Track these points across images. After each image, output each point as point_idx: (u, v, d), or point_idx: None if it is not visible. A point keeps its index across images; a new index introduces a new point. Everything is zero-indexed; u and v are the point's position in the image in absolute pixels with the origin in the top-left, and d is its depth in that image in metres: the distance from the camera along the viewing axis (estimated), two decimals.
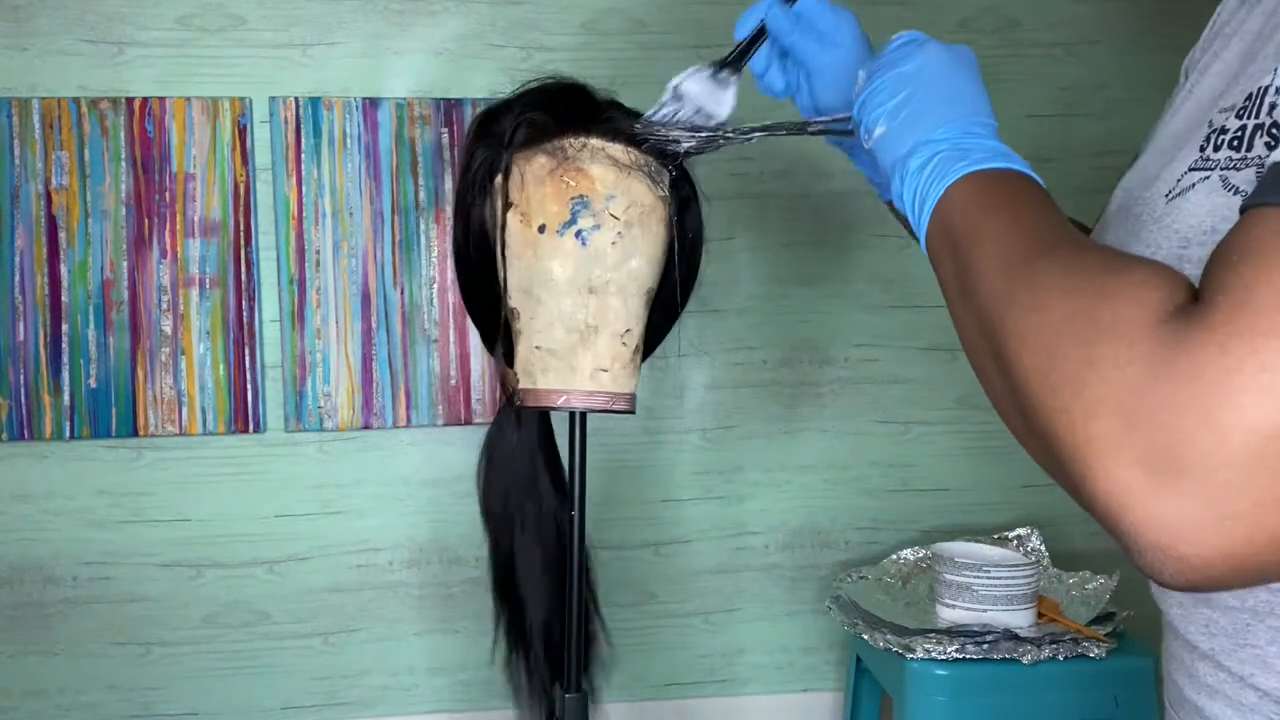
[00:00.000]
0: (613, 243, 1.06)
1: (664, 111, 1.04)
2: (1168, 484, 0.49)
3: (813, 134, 1.01)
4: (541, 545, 1.20)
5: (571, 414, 1.17)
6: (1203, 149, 0.70)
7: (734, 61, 1.01)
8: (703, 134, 1.04)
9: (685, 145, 1.05)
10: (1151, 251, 0.70)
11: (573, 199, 1.06)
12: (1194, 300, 0.52)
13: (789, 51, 0.98)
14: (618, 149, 1.07)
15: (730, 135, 1.04)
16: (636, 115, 1.10)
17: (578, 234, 1.06)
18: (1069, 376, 0.53)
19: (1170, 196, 0.71)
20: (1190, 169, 0.71)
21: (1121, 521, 0.51)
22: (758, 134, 1.04)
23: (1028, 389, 0.57)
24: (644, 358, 1.20)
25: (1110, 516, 0.52)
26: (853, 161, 1.01)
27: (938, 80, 0.78)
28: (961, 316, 0.67)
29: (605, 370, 1.09)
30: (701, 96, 1.02)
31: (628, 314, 1.09)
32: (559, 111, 1.08)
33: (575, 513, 1.18)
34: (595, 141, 1.07)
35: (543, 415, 1.18)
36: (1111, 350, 0.52)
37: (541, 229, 1.07)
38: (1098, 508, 0.53)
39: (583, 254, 1.06)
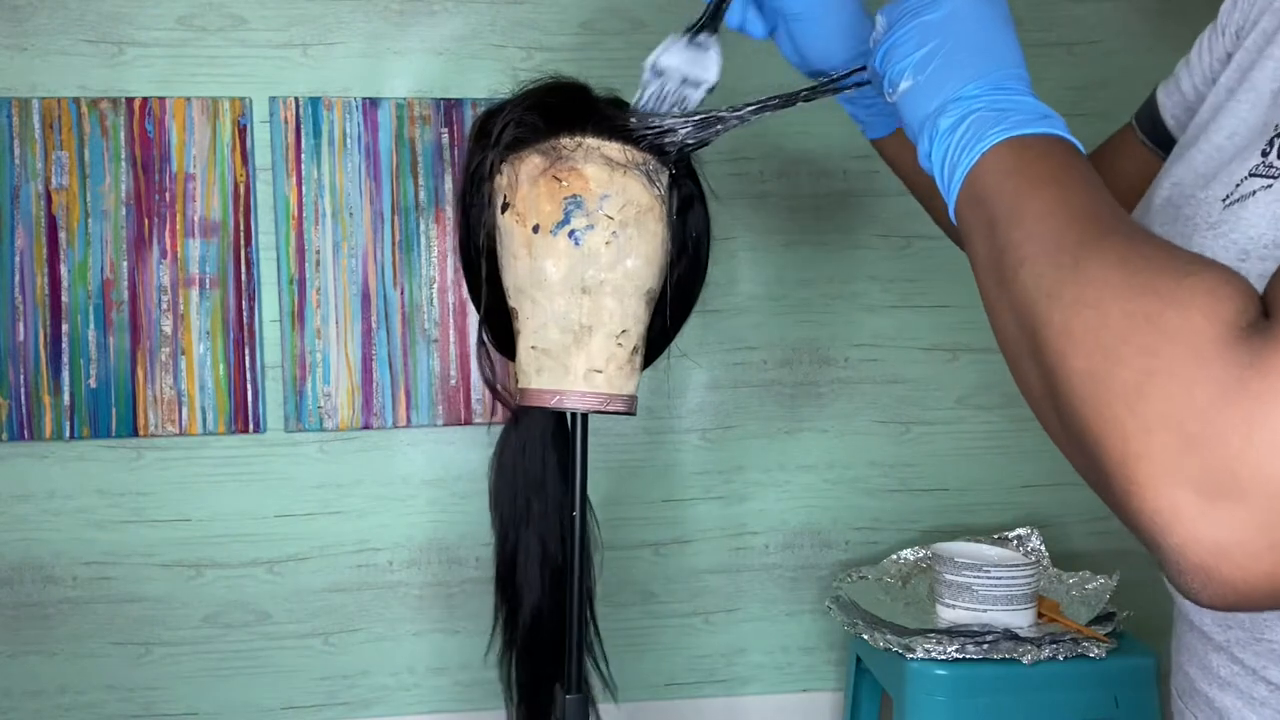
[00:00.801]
0: (607, 243, 1.06)
1: (649, 92, 1.00)
2: (1221, 507, 0.48)
3: (807, 100, 0.99)
4: (543, 544, 1.19)
5: (572, 414, 1.17)
6: (1265, 153, 0.67)
7: (708, 22, 0.97)
8: (695, 118, 1.03)
9: (682, 134, 1.04)
10: None
11: (566, 199, 1.05)
12: (1263, 315, 0.50)
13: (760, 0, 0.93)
14: (613, 148, 1.06)
15: (724, 115, 1.02)
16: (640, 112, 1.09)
17: (570, 234, 1.05)
18: (1127, 385, 0.50)
19: (1228, 202, 0.68)
20: (1251, 174, 0.68)
21: (1165, 540, 0.50)
22: (750, 109, 1.02)
23: (1074, 391, 0.54)
24: (652, 358, 1.20)
25: (1154, 534, 0.50)
26: (842, 105, 0.98)
27: (968, 29, 0.72)
28: (996, 300, 0.62)
29: (600, 371, 1.08)
30: (683, 66, 0.98)
31: (624, 314, 1.08)
32: (553, 110, 1.08)
33: (576, 513, 1.17)
34: (590, 140, 1.06)
35: (558, 415, 1.18)
36: (1179, 364, 0.49)
37: (536, 229, 1.06)
38: (1141, 523, 0.51)
39: (576, 254, 1.06)
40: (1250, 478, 0.47)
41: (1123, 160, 0.96)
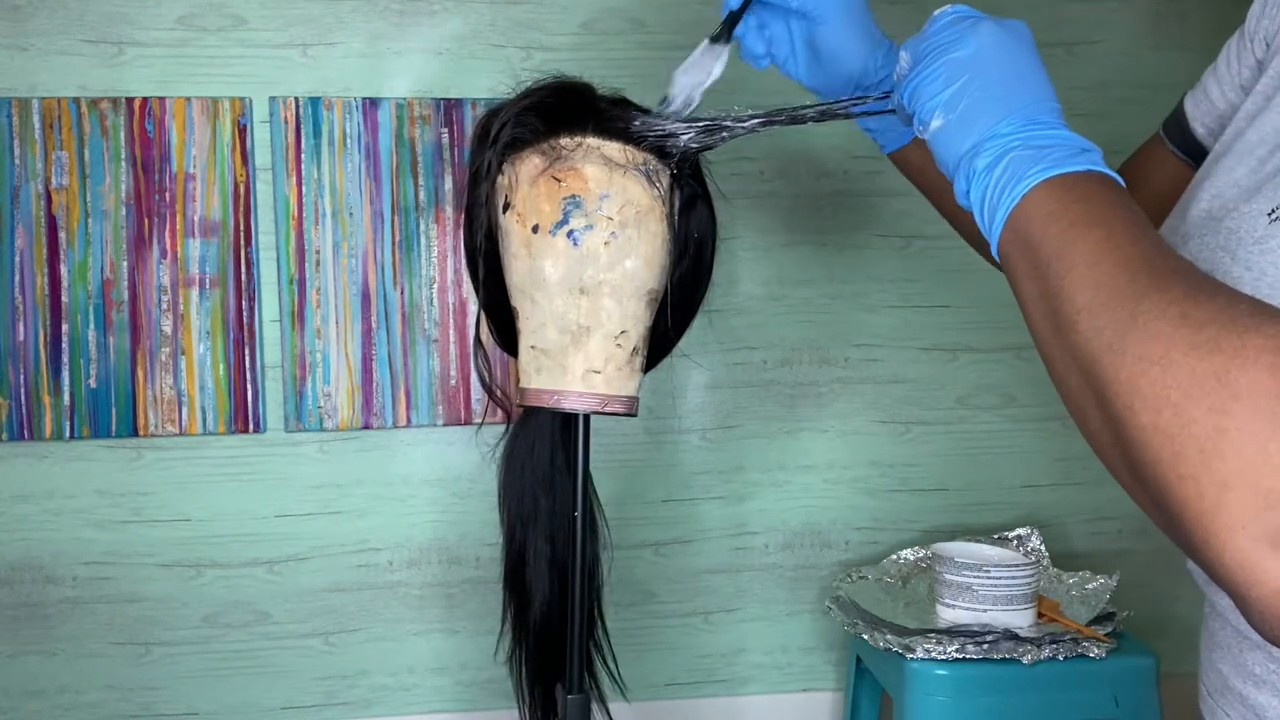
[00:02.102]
0: (605, 243, 1.06)
1: (671, 92, 1.03)
2: None
3: (817, 122, 0.99)
4: (552, 543, 1.20)
5: (574, 415, 1.17)
6: None
7: (723, 33, 1.00)
8: (700, 125, 1.03)
9: (684, 139, 1.04)
10: (1255, 276, 0.68)
11: (565, 199, 1.05)
12: None
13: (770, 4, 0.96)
14: (613, 148, 1.06)
15: (729, 125, 1.03)
16: (645, 112, 1.09)
17: (569, 234, 1.05)
18: (1199, 443, 0.52)
19: (1274, 217, 0.68)
20: None
21: (1249, 592, 0.52)
22: (757, 120, 1.02)
23: (1145, 446, 0.55)
24: (657, 360, 1.20)
25: (1236, 585, 0.52)
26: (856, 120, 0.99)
27: (996, 65, 0.72)
28: (1051, 346, 0.63)
29: (598, 372, 1.08)
30: (694, 73, 1.02)
31: (623, 315, 1.08)
32: (552, 111, 1.08)
33: (579, 513, 1.17)
34: (590, 140, 1.06)
35: (565, 415, 1.17)
36: (1250, 423, 0.51)
37: (535, 229, 1.06)
38: (1223, 574, 0.53)
39: (574, 254, 1.06)
40: None
41: (1153, 171, 0.96)
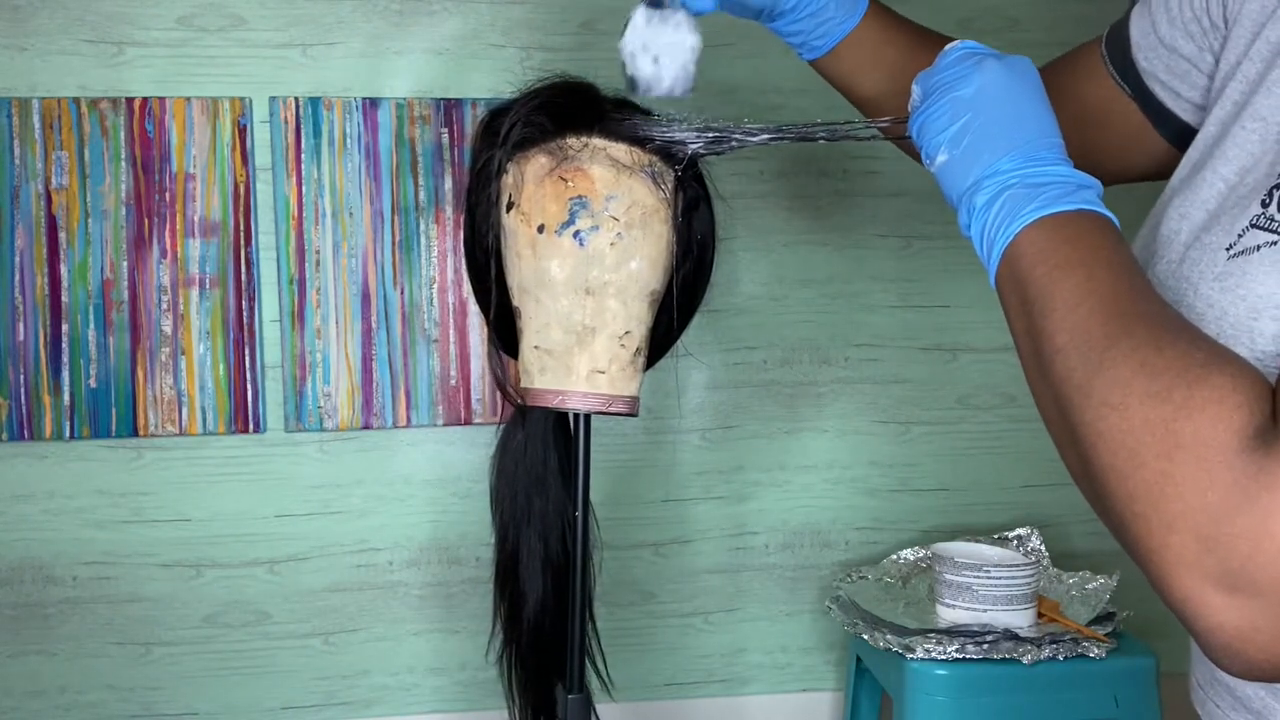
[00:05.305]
0: (611, 244, 1.06)
1: (645, 74, 0.96)
2: (1241, 601, 0.54)
3: (822, 140, 1.00)
4: (545, 542, 1.20)
5: (574, 415, 1.17)
6: (1265, 204, 0.68)
7: None
8: (709, 135, 1.04)
9: (692, 148, 1.05)
10: (1217, 315, 0.68)
11: (571, 199, 1.05)
12: (1272, 417, 0.55)
13: None
14: (620, 149, 1.06)
15: (739, 138, 1.04)
16: (648, 114, 1.09)
17: (575, 234, 1.06)
18: (1147, 487, 0.56)
19: (1232, 253, 0.69)
20: (1252, 225, 0.68)
21: (1195, 624, 0.56)
22: (767, 136, 1.03)
23: (1105, 484, 0.59)
24: (655, 359, 1.20)
25: (1184, 617, 0.56)
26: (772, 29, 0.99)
27: (998, 103, 0.74)
28: (1035, 381, 0.67)
29: (602, 372, 1.09)
30: (656, 43, 0.94)
31: (627, 316, 1.09)
32: (560, 111, 1.08)
33: (579, 513, 1.18)
34: (597, 141, 1.06)
35: (559, 414, 1.18)
36: (1191, 471, 0.55)
37: (541, 229, 1.06)
38: (1173, 605, 0.57)
39: (580, 255, 1.06)
40: (1264, 578, 0.53)
41: (1086, 86, 0.93)
